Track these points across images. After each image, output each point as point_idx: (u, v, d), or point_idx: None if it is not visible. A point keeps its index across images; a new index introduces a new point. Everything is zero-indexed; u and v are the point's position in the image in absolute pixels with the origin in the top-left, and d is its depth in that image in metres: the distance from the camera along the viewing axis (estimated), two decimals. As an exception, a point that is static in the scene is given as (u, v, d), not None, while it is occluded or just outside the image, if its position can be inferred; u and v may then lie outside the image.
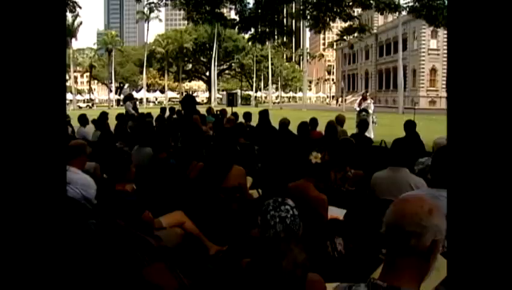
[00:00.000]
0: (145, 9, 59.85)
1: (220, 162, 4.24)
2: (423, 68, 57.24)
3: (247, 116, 9.98)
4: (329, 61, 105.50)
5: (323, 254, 3.26)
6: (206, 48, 71.25)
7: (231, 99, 22.37)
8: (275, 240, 2.05)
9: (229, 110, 14.04)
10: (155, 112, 14.16)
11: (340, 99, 61.72)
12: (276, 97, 78.45)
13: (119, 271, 2.96)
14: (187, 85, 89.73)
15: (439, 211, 1.42)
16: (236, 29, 17.94)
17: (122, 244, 3.13)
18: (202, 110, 11.44)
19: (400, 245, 1.39)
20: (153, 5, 18.56)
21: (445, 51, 56.78)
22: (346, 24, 21.86)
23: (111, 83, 70.07)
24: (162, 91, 77.08)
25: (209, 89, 70.50)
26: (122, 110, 14.35)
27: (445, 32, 50.97)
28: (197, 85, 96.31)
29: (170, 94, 74.52)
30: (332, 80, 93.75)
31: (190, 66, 78.50)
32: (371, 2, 17.10)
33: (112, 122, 9.95)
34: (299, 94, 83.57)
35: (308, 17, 17.64)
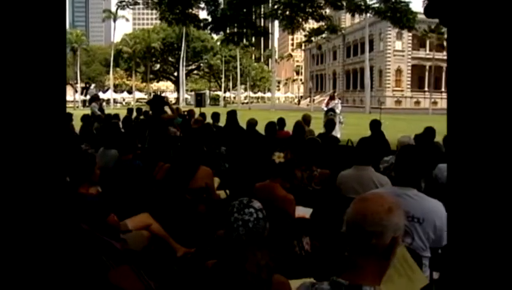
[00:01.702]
0: (114, 8, 58.82)
1: (187, 163, 4.21)
2: (389, 69, 58.40)
3: (215, 116, 9.95)
4: (297, 61, 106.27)
5: (291, 254, 3.28)
6: (174, 48, 70.49)
7: (199, 100, 22.19)
8: (237, 243, 2.04)
9: (197, 110, 13.96)
10: (123, 113, 13.94)
11: (308, 99, 62.29)
12: (245, 97, 78.47)
13: (83, 276, 2.90)
14: (155, 85, 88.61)
15: (399, 209, 1.45)
16: (208, 30, 17.90)
17: (86, 249, 3.06)
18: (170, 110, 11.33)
19: (361, 244, 1.41)
20: (124, 3, 18.24)
21: (410, 53, 58.24)
22: (316, 25, 22.14)
23: (76, 83, 68.44)
24: (130, 92, 75.89)
25: (178, 90, 69.92)
26: (88, 111, 14.08)
27: (409, 34, 52.08)
28: (165, 85, 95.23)
29: (138, 95, 73.37)
30: (301, 80, 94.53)
31: (158, 66, 77.58)
32: (343, 3, 17.38)
33: (77, 124, 9.75)
34: (268, 94, 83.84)
35: (281, 17, 17.77)
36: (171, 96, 69.82)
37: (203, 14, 18.35)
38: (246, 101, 74.26)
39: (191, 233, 3.90)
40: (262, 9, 22.48)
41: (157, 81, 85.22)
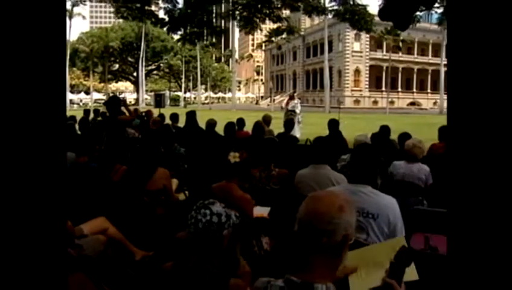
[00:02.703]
0: (69, 5, 56.96)
1: (144, 165, 4.15)
2: (348, 69, 59.51)
3: (174, 117, 9.84)
4: (258, 62, 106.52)
5: (250, 253, 3.28)
6: (133, 48, 69.12)
7: (159, 101, 21.74)
8: (186, 240, 2.06)
9: (156, 111, 13.76)
10: (80, 114, 13.58)
11: (268, 100, 62.66)
12: (206, 98, 78.08)
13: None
14: (114, 86, 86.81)
15: (350, 207, 1.47)
16: (165, 29, 17.74)
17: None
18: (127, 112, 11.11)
19: (312, 243, 1.42)
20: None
21: (367, 53, 59.55)
22: (274, 26, 22.37)
23: (30, 83, 66.12)
24: (87, 92, 73.84)
25: (137, 90, 68.64)
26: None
27: (367, 35, 53.26)
28: (125, 86, 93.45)
29: (96, 95, 71.41)
30: (261, 80, 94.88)
31: (117, 66, 75.94)
32: (299, 4, 17.64)
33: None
34: (229, 94, 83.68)
35: (238, 17, 17.85)
36: (131, 97, 68.60)
37: (162, 14, 18.18)
38: (206, 101, 73.90)
39: (149, 236, 3.84)
40: (222, 9, 22.50)
41: (116, 82, 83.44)
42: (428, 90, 62.82)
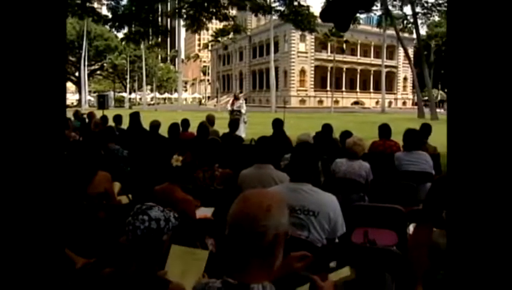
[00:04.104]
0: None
1: (84, 168, 4.03)
2: (293, 69, 60.41)
3: (118, 119, 9.59)
4: (204, 62, 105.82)
5: (194, 255, 3.26)
6: (74, 47, 66.40)
7: (102, 102, 20.97)
8: (126, 246, 1.99)
9: (100, 113, 13.35)
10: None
11: (215, 100, 62.53)
12: (152, 99, 76.63)
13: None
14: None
15: (279, 205, 1.46)
16: (108, 27, 17.26)
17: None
18: (69, 113, 10.73)
19: (243, 245, 1.42)
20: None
21: (313, 54, 60.73)
22: (221, 25, 22.30)
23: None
24: (25, 93, 70.48)
25: (80, 91, 66.26)
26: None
27: (312, 36, 54.22)
28: (66, 86, 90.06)
29: (35, 97, 68.31)
30: (208, 80, 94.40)
31: (57, 66, 73.04)
32: (246, 3, 17.68)
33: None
34: (175, 95, 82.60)
35: (185, 16, 17.65)
36: (72, 98, 66.14)
37: (105, 11, 17.65)
38: (152, 102, 72.47)
39: (90, 242, 3.73)
40: (167, 7, 22.16)
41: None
42: (371, 90, 65.03)
